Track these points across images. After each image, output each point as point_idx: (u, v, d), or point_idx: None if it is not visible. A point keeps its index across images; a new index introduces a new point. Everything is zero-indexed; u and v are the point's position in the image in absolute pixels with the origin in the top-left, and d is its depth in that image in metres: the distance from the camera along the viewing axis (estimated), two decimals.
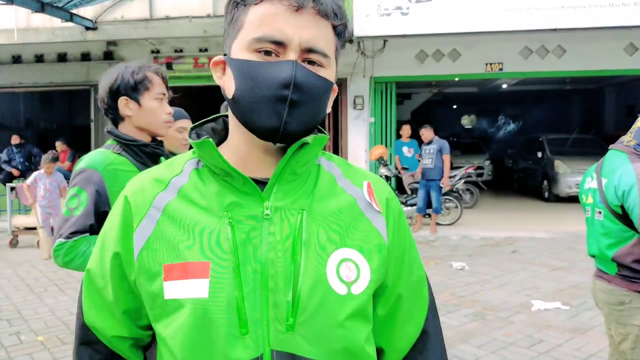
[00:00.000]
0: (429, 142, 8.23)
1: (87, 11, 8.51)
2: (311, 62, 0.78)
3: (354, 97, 9.50)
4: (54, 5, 7.63)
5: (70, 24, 8.37)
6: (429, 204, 8.37)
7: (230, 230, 0.78)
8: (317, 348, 0.77)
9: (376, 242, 0.85)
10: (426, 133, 8.31)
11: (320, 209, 0.83)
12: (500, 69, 9.54)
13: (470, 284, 5.48)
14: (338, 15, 0.80)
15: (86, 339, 0.90)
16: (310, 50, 0.77)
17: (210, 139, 0.80)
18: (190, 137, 0.85)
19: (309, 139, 0.81)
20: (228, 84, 0.81)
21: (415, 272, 0.92)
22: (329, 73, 0.81)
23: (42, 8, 7.49)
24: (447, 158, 8.14)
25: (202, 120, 0.90)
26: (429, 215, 8.56)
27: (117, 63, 9.05)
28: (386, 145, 9.54)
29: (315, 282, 0.78)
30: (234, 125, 0.83)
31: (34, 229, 7.04)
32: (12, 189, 8.51)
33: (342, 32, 0.83)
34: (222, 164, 0.80)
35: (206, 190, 0.82)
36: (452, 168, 10.12)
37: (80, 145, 10.38)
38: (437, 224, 8.53)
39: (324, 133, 0.88)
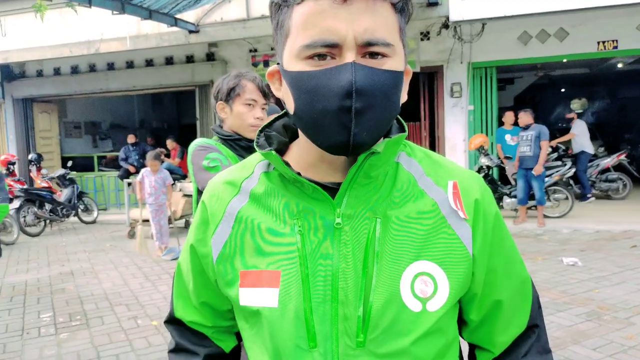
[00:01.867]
0: (526, 128, 7.77)
1: (189, 16, 8.98)
2: (373, 55, 0.69)
3: (451, 85, 9.16)
4: (160, 11, 8.14)
5: (175, 28, 8.90)
6: (531, 195, 7.90)
7: (300, 240, 0.75)
8: None
9: (459, 254, 0.77)
10: (525, 117, 7.81)
11: (396, 216, 0.76)
12: (615, 47, 8.69)
13: (583, 280, 5.08)
14: None
15: (171, 318, 0.96)
16: (369, 44, 0.68)
17: (273, 152, 0.77)
18: (257, 142, 0.81)
19: (379, 147, 0.72)
20: (287, 98, 0.74)
21: (515, 275, 0.84)
22: (396, 62, 0.71)
23: (150, 15, 8.04)
24: (545, 145, 7.63)
25: (274, 117, 0.85)
26: (535, 206, 8.06)
27: (218, 63, 9.50)
28: (487, 134, 9.11)
29: (388, 298, 0.73)
30: (303, 135, 0.77)
31: (149, 221, 7.37)
32: (129, 184, 9.30)
33: (404, 7, 0.72)
34: (288, 173, 0.76)
35: (276, 196, 0.79)
36: (594, 157, 9.54)
37: (188, 142, 10.99)
38: (545, 216, 8.00)
39: (403, 127, 0.81)
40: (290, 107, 0.74)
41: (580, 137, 9.50)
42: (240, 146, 2.02)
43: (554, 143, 9.28)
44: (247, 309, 0.78)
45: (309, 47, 0.68)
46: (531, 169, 7.68)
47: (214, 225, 0.82)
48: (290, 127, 0.84)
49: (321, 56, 0.68)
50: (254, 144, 0.81)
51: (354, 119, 0.67)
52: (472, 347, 0.91)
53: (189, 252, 0.87)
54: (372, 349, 0.73)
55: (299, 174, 0.75)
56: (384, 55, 0.70)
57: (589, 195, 9.20)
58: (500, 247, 0.82)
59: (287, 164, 0.76)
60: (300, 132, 0.79)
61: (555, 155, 9.21)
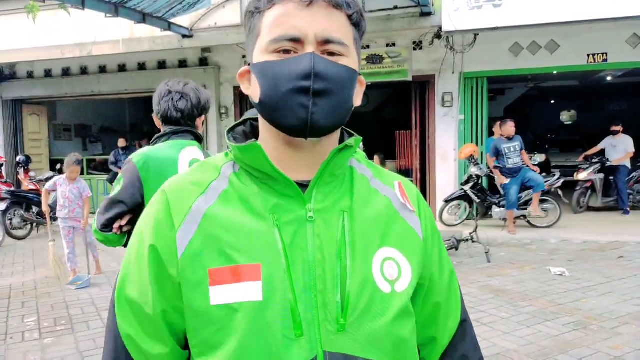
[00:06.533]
0: (511, 139, 8.08)
1: (183, 20, 8.98)
2: (331, 54, 0.78)
3: (442, 94, 9.22)
4: (154, 15, 8.13)
5: (168, 32, 8.89)
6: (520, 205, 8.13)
7: (278, 233, 0.78)
8: (369, 347, 0.78)
9: (414, 241, 0.87)
10: (513, 128, 8.10)
11: (359, 210, 0.84)
12: (605, 60, 8.81)
13: (570, 290, 5.11)
14: (350, 4, 0.80)
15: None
16: (327, 42, 0.77)
17: (258, 143, 0.81)
18: (229, 140, 0.86)
19: (350, 141, 0.83)
20: (254, 90, 0.81)
21: (447, 267, 0.95)
22: (350, 62, 0.80)
23: (143, 19, 8.02)
24: (524, 153, 8.21)
25: (235, 123, 0.92)
26: (524, 216, 8.16)
27: (211, 69, 9.49)
28: (477, 144, 9.17)
29: (363, 282, 0.79)
30: (266, 128, 0.84)
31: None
32: None
33: (358, 22, 0.82)
34: (267, 168, 0.80)
35: (248, 194, 0.81)
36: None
37: None
38: (534, 226, 8.11)
39: (354, 134, 0.91)
40: (257, 97, 0.80)
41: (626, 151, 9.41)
42: None
43: (617, 162, 9.23)
44: (222, 308, 0.75)
45: (275, 41, 0.77)
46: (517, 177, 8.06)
47: (179, 220, 0.79)
48: (248, 134, 0.91)
49: (286, 51, 0.77)
50: (228, 141, 0.86)
51: (312, 98, 0.75)
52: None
53: (147, 256, 0.80)
54: (352, 332, 0.77)
55: (278, 170, 0.80)
56: (340, 55, 0.79)
57: (627, 209, 9.18)
58: (436, 238, 0.94)
59: (269, 160, 0.81)
60: (264, 131, 0.85)
61: (598, 167, 9.25)
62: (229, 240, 0.77)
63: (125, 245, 2.01)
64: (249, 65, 0.84)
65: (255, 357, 0.74)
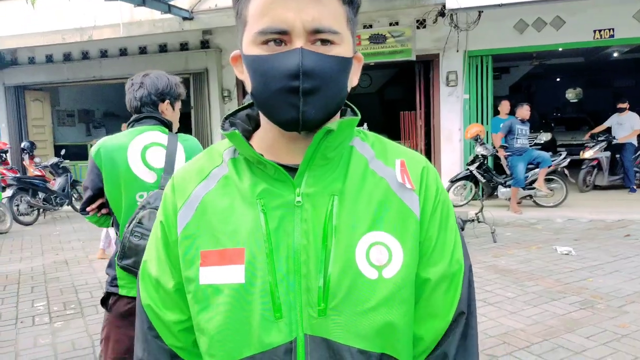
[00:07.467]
0: (524, 122, 8.12)
1: (183, 2, 8.88)
2: (324, 41, 0.75)
3: (447, 73, 9.13)
4: None
5: (168, 15, 8.80)
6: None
7: (263, 218, 0.79)
8: (349, 333, 0.77)
9: (408, 220, 0.82)
10: (528, 112, 8.16)
11: (351, 193, 0.82)
12: (611, 36, 8.68)
13: (577, 269, 5.11)
14: None
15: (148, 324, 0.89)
16: (316, 31, 0.74)
17: (237, 131, 0.82)
18: (222, 127, 0.86)
19: (333, 125, 0.79)
20: (246, 80, 0.82)
21: (449, 257, 0.85)
22: (343, 49, 0.77)
23: (143, 2, 7.94)
24: None
25: (238, 108, 0.91)
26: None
27: (213, 51, 9.37)
28: (482, 123, 9.11)
29: (344, 267, 0.78)
30: (262, 116, 0.84)
31: None
32: None
33: (351, 0, 0.78)
34: (252, 154, 0.81)
35: (241, 179, 0.83)
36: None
37: (183, 131, 10.96)
38: (540, 205, 8.09)
39: (356, 113, 0.88)
40: (249, 88, 0.81)
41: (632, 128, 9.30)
42: None
43: (623, 139, 9.17)
44: (208, 288, 0.80)
45: (261, 34, 0.75)
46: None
47: (181, 203, 0.85)
48: (253, 117, 0.90)
49: (276, 42, 0.75)
50: (220, 129, 0.86)
51: (301, 98, 0.74)
52: None
53: (160, 232, 0.87)
54: (333, 317, 0.77)
55: (261, 155, 0.81)
56: (332, 43, 0.76)
57: (634, 187, 9.11)
58: (438, 215, 0.85)
59: (250, 146, 0.82)
60: (261, 117, 0.85)
61: (604, 145, 9.20)
62: (220, 225, 0.81)
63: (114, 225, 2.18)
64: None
65: (236, 336, 0.78)
